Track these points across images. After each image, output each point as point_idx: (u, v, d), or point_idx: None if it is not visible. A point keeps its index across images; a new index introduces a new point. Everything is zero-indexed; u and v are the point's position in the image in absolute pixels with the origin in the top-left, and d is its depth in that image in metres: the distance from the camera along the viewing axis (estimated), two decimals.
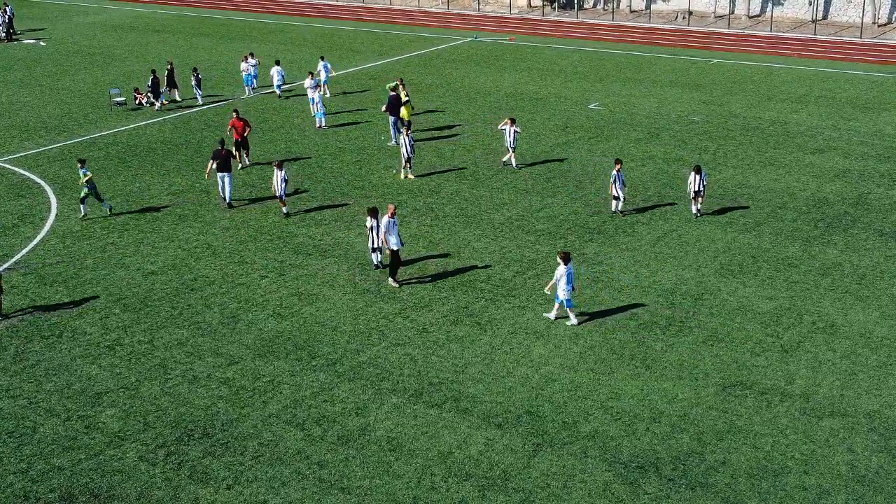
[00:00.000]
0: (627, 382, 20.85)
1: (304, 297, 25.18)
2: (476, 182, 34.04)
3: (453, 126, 41.54)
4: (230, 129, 35.82)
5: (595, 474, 17.77)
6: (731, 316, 23.82)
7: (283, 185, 30.27)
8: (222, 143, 31.97)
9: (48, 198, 33.01)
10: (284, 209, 30.90)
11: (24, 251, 28.40)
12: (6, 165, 36.60)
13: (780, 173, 34.49)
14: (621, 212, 30.72)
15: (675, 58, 56.02)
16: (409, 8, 77.26)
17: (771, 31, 63.76)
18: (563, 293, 23.00)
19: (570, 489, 17.36)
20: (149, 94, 45.24)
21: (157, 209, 31.70)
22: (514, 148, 35.23)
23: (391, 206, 25.48)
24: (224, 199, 31.76)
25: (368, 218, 26.02)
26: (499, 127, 35.89)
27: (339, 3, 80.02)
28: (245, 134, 35.68)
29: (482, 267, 26.84)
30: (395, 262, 25.74)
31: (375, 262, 26.67)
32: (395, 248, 25.45)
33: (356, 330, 23.36)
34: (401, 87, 38.66)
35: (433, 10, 76.37)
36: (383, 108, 38.67)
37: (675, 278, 25.98)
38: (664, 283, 25.66)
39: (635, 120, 42.10)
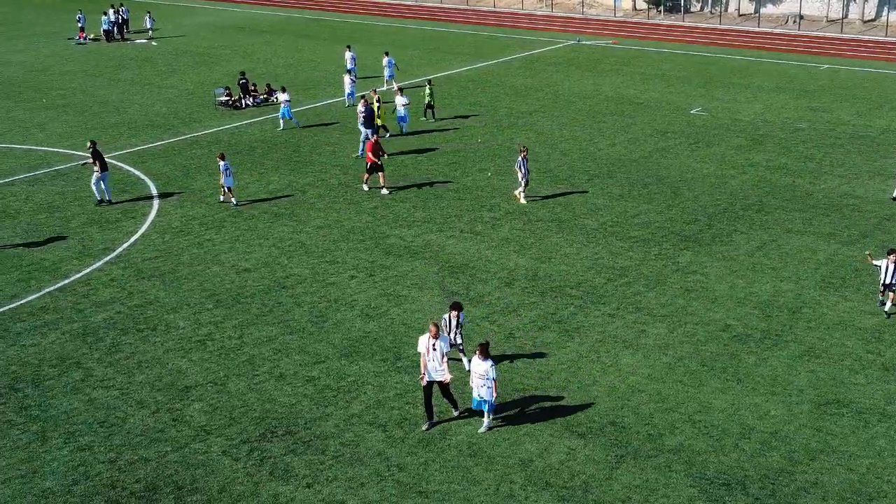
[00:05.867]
0: (717, 396, 20.26)
1: (392, 297, 25.22)
2: (571, 186, 33.64)
3: (550, 130, 41.18)
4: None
5: (679, 489, 17.29)
6: (829, 331, 22.96)
7: (228, 175, 31.98)
8: (93, 143, 32.64)
9: (151, 194, 33.85)
10: (232, 200, 32.43)
11: (125, 245, 29.16)
12: (113, 161, 37.67)
13: (889, 184, 33.14)
14: None
15: (783, 62, 54.49)
16: (513, 10, 77.04)
17: (886, 35, 61.51)
18: (485, 392, 18.78)
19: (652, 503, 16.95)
20: (239, 95, 46.44)
21: (253, 207, 32.21)
22: None
23: (433, 327, 19.25)
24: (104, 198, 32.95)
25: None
26: None
27: (446, 4, 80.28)
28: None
29: (572, 273, 26.48)
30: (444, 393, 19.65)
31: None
32: (438, 378, 19.28)
33: None
34: (374, 96, 39.44)
35: (537, 12, 76.00)
36: (360, 123, 37.18)
37: (773, 290, 25.18)
38: (760, 295, 24.89)
39: (738, 126, 41.07)
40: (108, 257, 28.32)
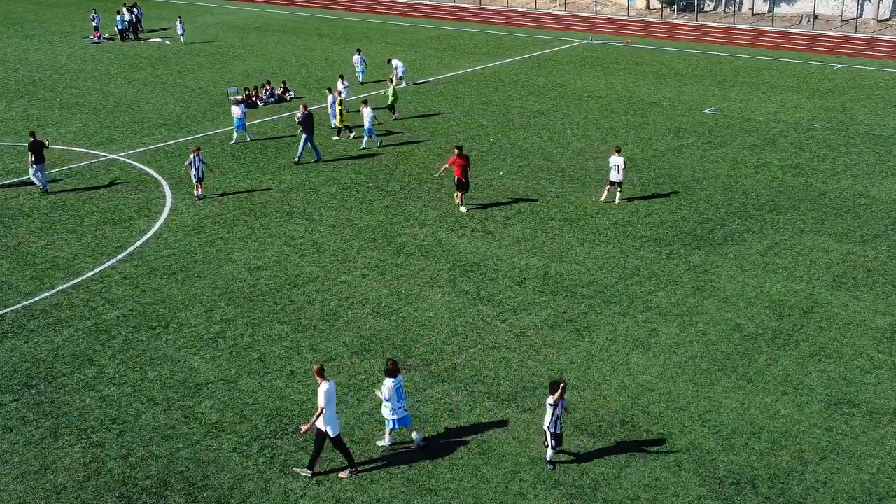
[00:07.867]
0: (727, 395, 20.24)
1: (403, 296, 25.27)
2: (582, 185, 33.63)
3: (562, 129, 41.16)
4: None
5: (688, 488, 17.29)
6: (841, 331, 22.91)
7: (201, 168, 32.88)
8: (33, 134, 33.66)
9: (164, 192, 34.00)
10: (197, 192, 33.19)
11: (139, 243, 29.31)
12: (127, 160, 37.87)
13: None
14: None
15: (797, 62, 54.31)
16: (529, 10, 77.01)
17: None
18: (388, 412, 18.13)
19: (662, 502, 16.92)
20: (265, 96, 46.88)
21: (265, 206, 32.32)
22: None
23: (316, 366, 17.70)
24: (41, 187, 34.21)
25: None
26: None
27: (458, 4, 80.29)
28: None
29: (584, 272, 26.48)
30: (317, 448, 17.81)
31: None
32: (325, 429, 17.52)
33: (453, 331, 23.32)
34: (339, 98, 40.41)
35: (551, 11, 75.94)
36: (298, 120, 36.63)
37: (785, 290, 25.12)
38: (772, 295, 24.85)
39: (751, 126, 40.96)
40: (122, 255, 28.47)
